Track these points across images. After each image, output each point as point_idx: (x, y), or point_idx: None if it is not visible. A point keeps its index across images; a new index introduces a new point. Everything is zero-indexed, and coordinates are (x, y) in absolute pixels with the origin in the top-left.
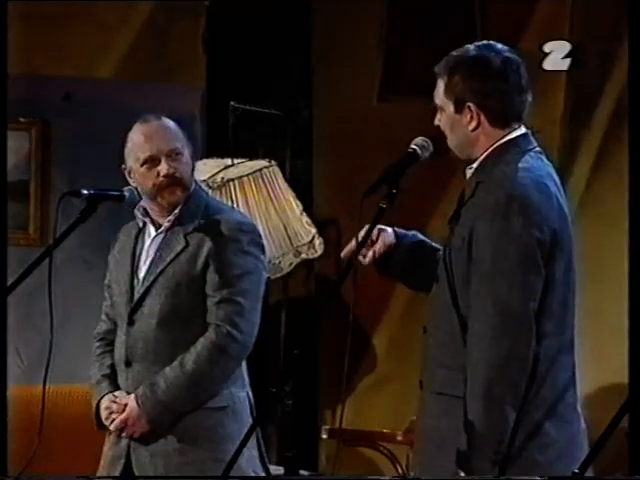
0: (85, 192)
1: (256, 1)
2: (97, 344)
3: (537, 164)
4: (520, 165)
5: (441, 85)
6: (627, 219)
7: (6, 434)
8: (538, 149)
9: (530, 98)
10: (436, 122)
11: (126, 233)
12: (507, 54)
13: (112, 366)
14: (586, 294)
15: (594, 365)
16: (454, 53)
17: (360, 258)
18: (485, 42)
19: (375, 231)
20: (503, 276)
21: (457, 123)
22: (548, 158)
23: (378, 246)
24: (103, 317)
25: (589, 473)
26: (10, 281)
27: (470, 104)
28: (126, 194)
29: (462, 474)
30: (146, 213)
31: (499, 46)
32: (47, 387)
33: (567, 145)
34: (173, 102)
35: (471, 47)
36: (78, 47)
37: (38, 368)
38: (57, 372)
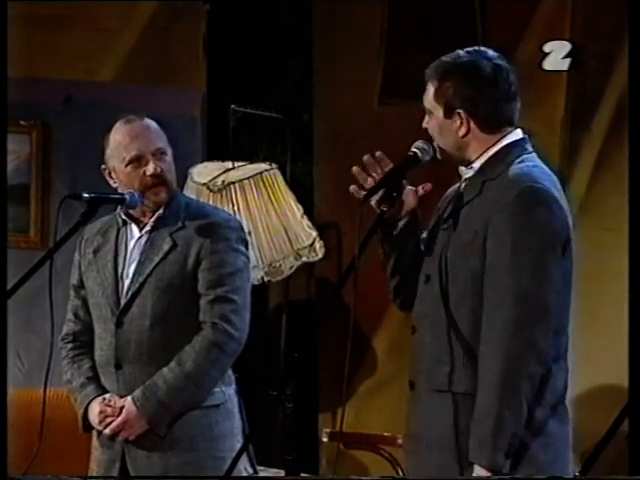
0: (86, 195)
1: (257, 4)
2: (69, 346)
3: (541, 164)
4: (531, 163)
5: (431, 89)
6: (627, 222)
7: (6, 437)
8: (535, 153)
9: (520, 104)
10: (424, 125)
11: (98, 233)
12: (497, 61)
13: (93, 368)
14: (586, 296)
15: (594, 368)
16: (444, 58)
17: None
18: (476, 48)
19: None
20: (525, 267)
21: (446, 128)
22: (545, 161)
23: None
24: (71, 317)
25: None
26: (11, 284)
27: (460, 111)
28: (127, 197)
29: (476, 470)
30: (128, 213)
31: (490, 52)
32: (48, 390)
33: (568, 148)
34: (174, 105)
35: (462, 53)
36: (78, 50)
37: (39, 371)
38: (58, 375)
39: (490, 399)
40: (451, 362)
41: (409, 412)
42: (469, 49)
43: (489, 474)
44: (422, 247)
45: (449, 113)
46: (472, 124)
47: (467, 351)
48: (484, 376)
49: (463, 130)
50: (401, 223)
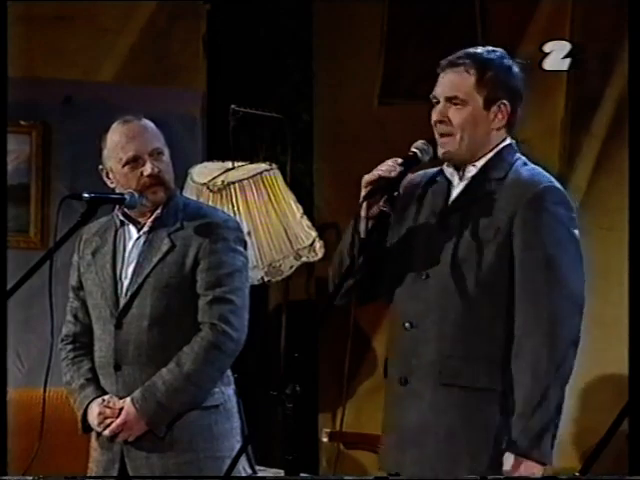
0: (86, 195)
1: (257, 4)
2: (69, 347)
3: None
4: (533, 165)
5: (469, 78)
6: (627, 222)
7: (6, 437)
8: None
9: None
10: (439, 117)
11: (97, 234)
12: (516, 64)
13: (92, 370)
14: (587, 296)
15: (594, 367)
16: (479, 50)
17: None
18: (496, 48)
19: None
20: (560, 262)
21: (483, 119)
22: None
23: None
24: (70, 318)
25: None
26: (10, 284)
27: (505, 101)
28: (126, 197)
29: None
30: (125, 213)
31: (508, 55)
32: (47, 390)
33: (568, 148)
34: (174, 105)
35: (491, 48)
36: (78, 50)
37: (38, 371)
38: (57, 375)
39: (539, 392)
40: (466, 356)
41: (401, 408)
42: (494, 48)
43: (540, 467)
44: (395, 244)
45: (489, 104)
46: (510, 117)
47: (484, 345)
48: (526, 369)
49: (502, 122)
50: (372, 223)
